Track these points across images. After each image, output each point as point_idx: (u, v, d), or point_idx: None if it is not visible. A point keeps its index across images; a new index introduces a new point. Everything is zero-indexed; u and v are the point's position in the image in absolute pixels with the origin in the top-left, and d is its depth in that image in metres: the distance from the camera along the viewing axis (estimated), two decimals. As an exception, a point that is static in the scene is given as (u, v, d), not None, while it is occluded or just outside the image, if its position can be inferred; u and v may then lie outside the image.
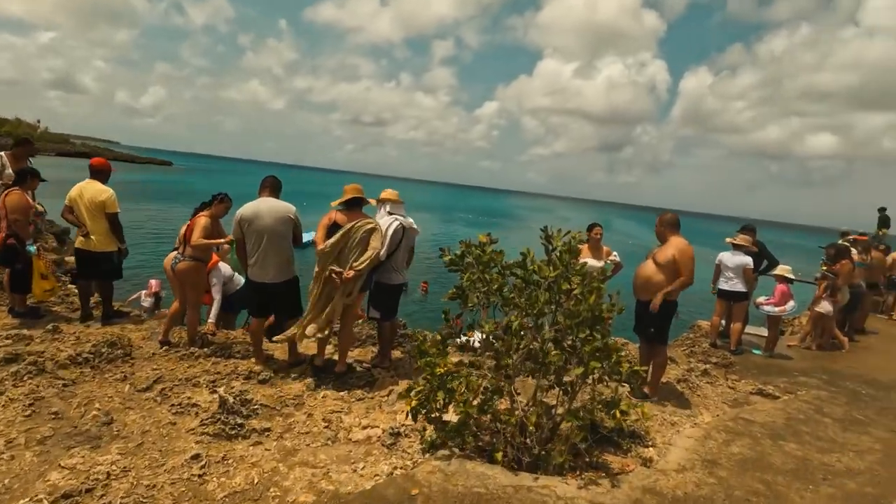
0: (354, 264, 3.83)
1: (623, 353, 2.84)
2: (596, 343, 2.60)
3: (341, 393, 3.96)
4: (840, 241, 9.66)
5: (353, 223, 3.95)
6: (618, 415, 2.91)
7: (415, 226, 4.59)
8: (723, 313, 6.62)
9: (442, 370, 2.59)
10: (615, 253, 5.40)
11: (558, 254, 2.88)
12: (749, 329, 7.04)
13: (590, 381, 2.79)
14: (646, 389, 4.68)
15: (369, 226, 3.95)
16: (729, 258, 6.43)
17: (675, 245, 4.40)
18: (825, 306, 6.72)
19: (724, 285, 6.46)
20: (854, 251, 8.71)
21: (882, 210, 11.85)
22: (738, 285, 6.34)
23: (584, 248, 5.41)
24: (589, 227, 5.39)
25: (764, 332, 6.84)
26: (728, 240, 6.65)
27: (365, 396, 3.91)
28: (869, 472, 3.27)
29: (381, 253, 4.29)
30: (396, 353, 5.07)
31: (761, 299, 6.53)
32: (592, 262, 5.34)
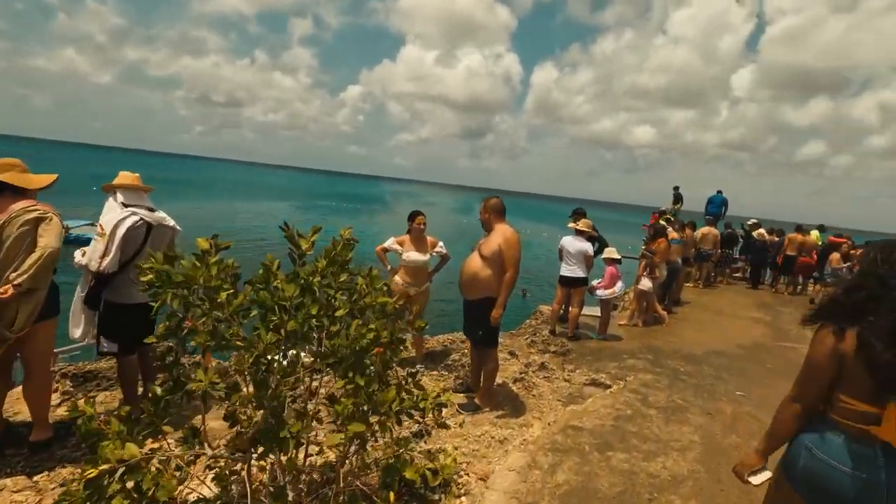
0: (12, 276, 2.51)
1: (410, 386, 2.06)
2: (358, 399, 1.77)
3: (36, 479, 2.65)
4: (660, 221, 10.55)
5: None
6: (413, 474, 2.15)
7: (168, 222, 3.36)
8: (563, 300, 6.47)
9: (106, 465, 1.54)
10: (441, 244, 4.74)
11: (315, 262, 1.98)
12: (586, 311, 7.05)
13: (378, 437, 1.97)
14: (477, 400, 4.11)
15: (31, 215, 2.63)
16: (571, 243, 6.25)
17: (502, 233, 3.83)
18: (645, 283, 6.98)
19: (565, 271, 6.29)
20: (671, 230, 9.43)
21: (676, 188, 13.48)
22: (578, 271, 6.20)
23: (406, 239, 4.66)
24: (411, 215, 4.65)
25: (599, 312, 6.93)
26: (571, 225, 6.49)
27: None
28: (692, 477, 3.01)
29: (105, 262, 3.00)
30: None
31: (594, 283, 6.51)
32: (416, 255, 4.62)
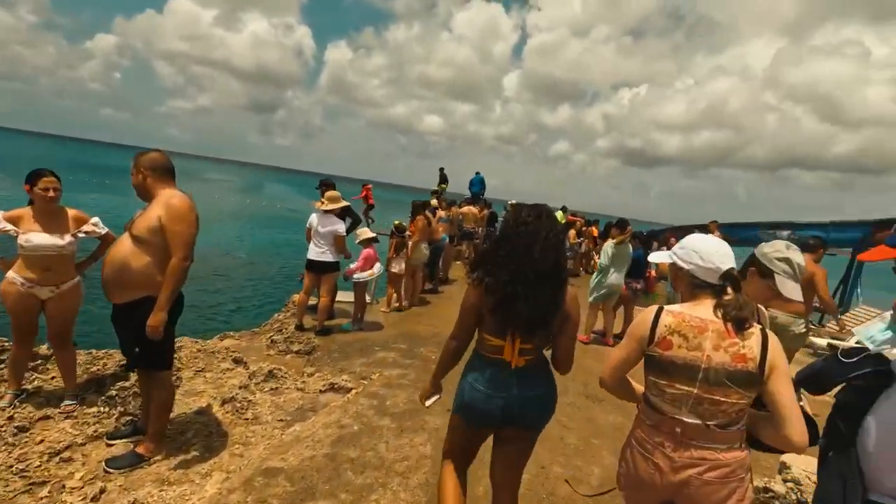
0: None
1: None
2: None
3: None
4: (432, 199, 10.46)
5: None
6: None
7: None
8: (311, 288, 5.48)
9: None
10: (95, 220, 3.22)
11: None
12: (342, 297, 6.25)
13: None
14: (140, 448, 2.81)
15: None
16: (319, 221, 5.26)
17: (164, 202, 2.58)
18: (398, 265, 6.49)
19: (312, 254, 5.28)
20: (439, 209, 9.31)
21: (441, 169, 14.22)
22: (327, 255, 5.26)
23: (25, 214, 3.01)
24: (30, 176, 3.01)
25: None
26: (316, 204, 5.46)
27: None
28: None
29: None
30: None
31: (350, 267, 5.70)
32: (42, 238, 3.00)
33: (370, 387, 3.98)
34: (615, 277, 6.00)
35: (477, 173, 13.82)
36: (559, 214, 13.76)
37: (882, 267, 1.61)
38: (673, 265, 1.67)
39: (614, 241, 6.04)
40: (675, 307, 1.55)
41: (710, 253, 1.54)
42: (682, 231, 12.69)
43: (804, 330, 3.00)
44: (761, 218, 10.67)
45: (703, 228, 11.97)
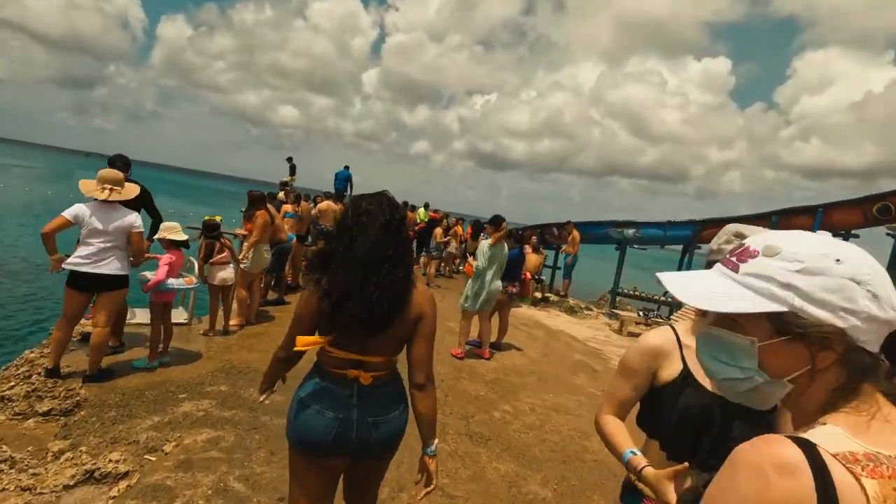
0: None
1: None
2: None
3: None
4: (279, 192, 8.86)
5: None
6: None
7: None
8: (79, 314, 3.73)
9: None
10: None
11: None
12: (139, 316, 4.52)
13: None
14: None
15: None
16: (96, 215, 3.56)
17: None
18: (220, 274, 4.85)
19: (82, 264, 3.55)
20: (287, 203, 7.81)
21: (289, 159, 13.14)
22: (110, 264, 3.59)
23: None
24: None
25: (178, 317, 4.49)
26: (88, 187, 3.70)
27: None
28: None
29: None
30: None
31: (147, 275, 4.05)
32: None
33: (153, 471, 2.57)
34: (495, 282, 5.32)
35: (345, 167, 12.52)
36: (421, 212, 13.12)
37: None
38: (779, 318, 0.65)
39: (490, 240, 5.35)
40: (839, 436, 0.58)
41: (885, 285, 0.64)
42: (542, 228, 12.89)
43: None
44: (591, 218, 11.35)
45: (561, 227, 12.32)
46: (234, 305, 5.39)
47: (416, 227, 12.38)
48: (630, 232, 11.90)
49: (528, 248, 7.54)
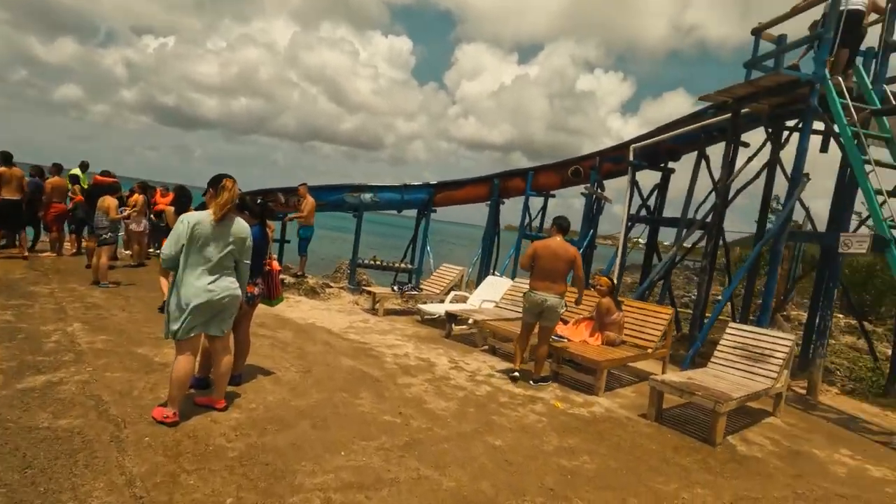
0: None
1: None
2: None
3: None
4: None
5: None
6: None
7: None
8: None
9: None
10: None
11: None
12: None
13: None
14: None
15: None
16: None
17: None
18: None
19: None
20: None
21: None
22: None
23: None
24: None
25: None
26: None
27: None
28: None
29: None
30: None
31: None
32: None
33: None
34: (201, 280, 3.14)
35: None
36: (76, 171, 8.95)
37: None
38: None
39: (211, 210, 3.14)
40: None
41: None
42: (264, 195, 10.46)
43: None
44: (296, 182, 9.91)
45: (290, 193, 10.25)
46: None
47: (73, 198, 8.99)
48: (368, 197, 10.80)
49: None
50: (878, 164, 5.41)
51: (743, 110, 7.02)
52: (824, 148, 7.28)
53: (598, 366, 4.81)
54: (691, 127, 8.16)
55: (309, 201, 9.26)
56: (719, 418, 3.92)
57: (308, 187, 9.57)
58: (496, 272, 10.64)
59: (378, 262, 10.69)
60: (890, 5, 5.99)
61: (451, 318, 6.66)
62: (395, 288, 8.58)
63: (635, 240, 9.66)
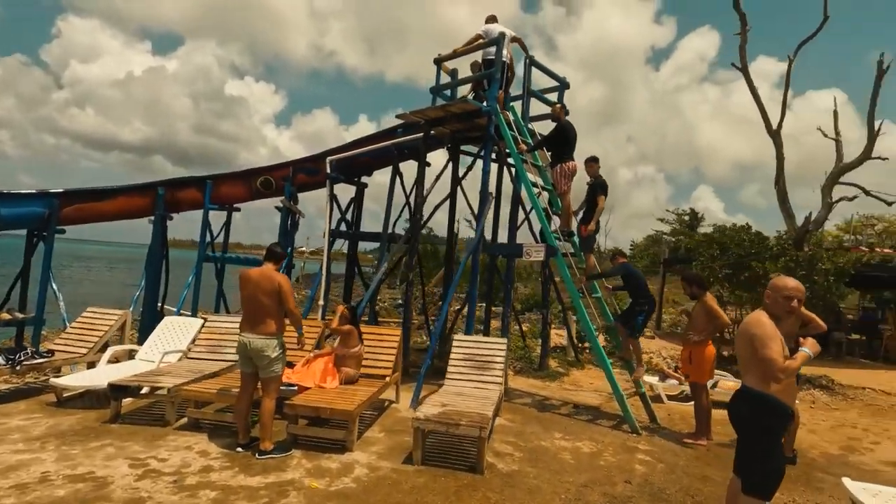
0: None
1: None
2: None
3: None
4: None
5: None
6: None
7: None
8: None
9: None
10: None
11: None
12: None
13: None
14: None
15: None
16: None
17: None
18: None
19: None
20: None
21: None
22: None
23: None
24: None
25: None
26: None
27: None
28: None
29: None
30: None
31: None
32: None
33: None
34: None
35: None
36: None
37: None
38: None
39: None
40: None
41: None
42: None
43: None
44: None
45: None
46: None
47: None
48: None
49: None
50: (535, 185, 6.66)
51: (431, 132, 7.58)
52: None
53: (351, 416, 4.05)
54: (386, 143, 8.34)
55: None
56: (484, 444, 3.82)
57: None
58: (173, 308, 8.30)
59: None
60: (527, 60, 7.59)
61: (119, 390, 4.53)
62: (1, 359, 5.38)
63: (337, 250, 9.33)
